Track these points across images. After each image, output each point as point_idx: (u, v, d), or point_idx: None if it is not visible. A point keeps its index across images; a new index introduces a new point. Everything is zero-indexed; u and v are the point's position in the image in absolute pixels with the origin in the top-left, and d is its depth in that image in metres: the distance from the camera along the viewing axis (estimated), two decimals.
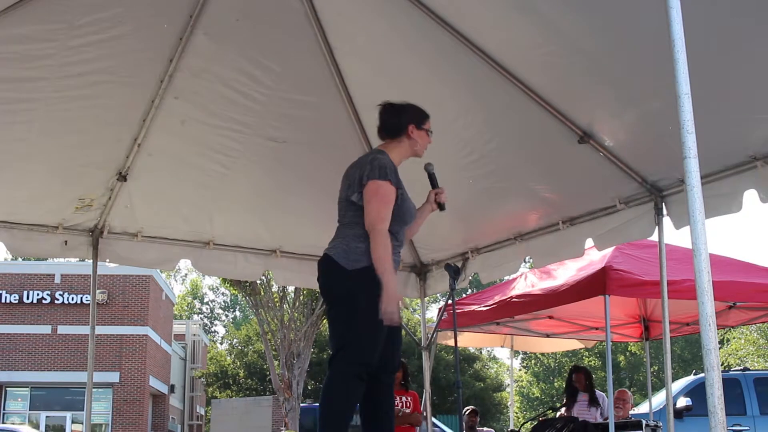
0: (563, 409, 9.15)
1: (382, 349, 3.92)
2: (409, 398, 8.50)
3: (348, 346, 3.87)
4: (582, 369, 9.29)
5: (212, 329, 62.59)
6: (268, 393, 32.15)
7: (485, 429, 11.65)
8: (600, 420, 8.78)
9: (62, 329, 29.86)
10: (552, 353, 43.60)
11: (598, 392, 9.15)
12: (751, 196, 5.23)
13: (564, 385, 9.79)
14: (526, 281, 9.02)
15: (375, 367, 3.87)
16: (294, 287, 21.56)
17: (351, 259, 3.93)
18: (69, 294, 30.07)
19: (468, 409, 10.66)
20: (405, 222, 4.14)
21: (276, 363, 23.05)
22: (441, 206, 4.42)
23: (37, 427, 29.70)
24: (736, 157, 5.23)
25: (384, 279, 3.79)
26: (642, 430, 6.94)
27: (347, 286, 3.92)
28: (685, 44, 2.87)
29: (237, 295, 44.01)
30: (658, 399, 11.53)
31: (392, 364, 4.07)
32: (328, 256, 4.02)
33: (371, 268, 3.83)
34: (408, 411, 8.48)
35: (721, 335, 30.93)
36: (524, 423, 10.68)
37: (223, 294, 62.80)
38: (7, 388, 30.30)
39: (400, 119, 4.22)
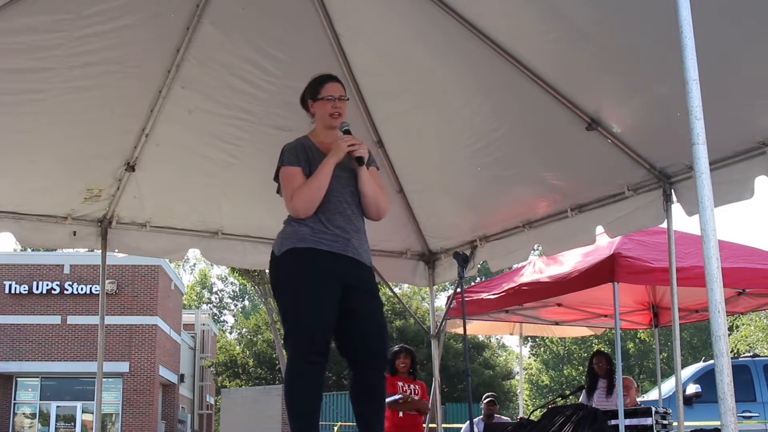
0: (582, 395, 9.05)
1: (357, 335, 3.84)
2: (417, 387, 8.49)
3: (287, 335, 3.87)
4: (603, 354, 9.22)
5: (221, 319, 62.82)
6: (277, 382, 32.20)
7: (503, 417, 11.61)
8: None
9: (72, 319, 29.98)
10: (560, 340, 43.57)
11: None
12: (762, 182, 5.21)
13: (574, 373, 9.72)
14: (535, 269, 9.00)
15: (325, 350, 3.78)
16: None
17: (278, 244, 3.91)
18: (78, 284, 30.18)
19: (487, 398, 10.62)
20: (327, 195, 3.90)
21: (285, 352, 23.12)
22: (359, 160, 3.88)
23: (47, 417, 29.92)
24: (746, 143, 5.20)
25: (324, 169, 3.80)
26: (652, 416, 6.92)
27: (275, 273, 3.93)
28: (693, 29, 2.85)
29: (246, 285, 44.08)
30: (668, 386, 11.51)
31: (368, 351, 3.88)
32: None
33: (293, 251, 3.79)
34: (416, 398, 8.47)
35: (731, 322, 30.88)
36: (534, 410, 10.64)
37: (232, 283, 63.02)
38: (18, 379, 30.46)
39: (303, 100, 4.18)
